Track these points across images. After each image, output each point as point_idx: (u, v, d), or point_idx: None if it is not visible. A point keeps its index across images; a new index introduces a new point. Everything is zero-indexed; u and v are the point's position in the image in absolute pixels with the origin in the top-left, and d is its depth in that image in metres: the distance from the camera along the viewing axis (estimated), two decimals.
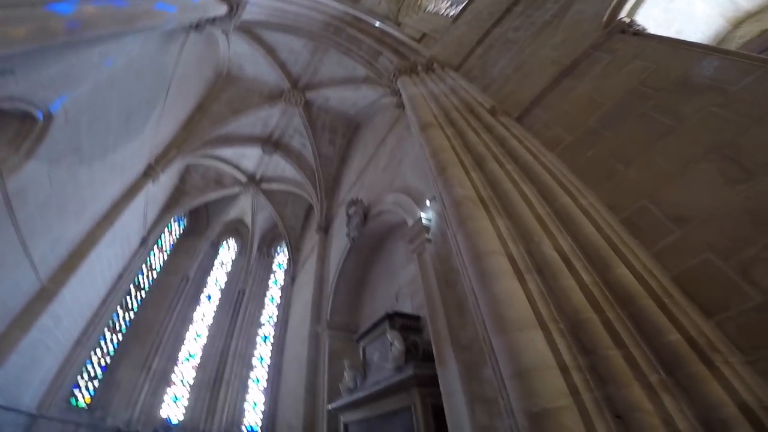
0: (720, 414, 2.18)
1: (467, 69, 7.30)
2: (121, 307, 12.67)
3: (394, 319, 6.19)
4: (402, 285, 7.33)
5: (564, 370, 2.67)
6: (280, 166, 14.10)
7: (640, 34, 4.29)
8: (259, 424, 12.30)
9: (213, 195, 14.82)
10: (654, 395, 2.41)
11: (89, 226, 8.58)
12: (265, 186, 14.95)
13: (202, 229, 15.86)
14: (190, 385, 13.15)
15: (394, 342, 5.74)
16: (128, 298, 13.05)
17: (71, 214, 7.61)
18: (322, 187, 12.77)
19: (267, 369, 13.24)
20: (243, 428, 12.44)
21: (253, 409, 12.94)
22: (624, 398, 2.44)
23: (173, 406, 12.58)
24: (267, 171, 14.61)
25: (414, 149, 7.06)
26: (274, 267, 16.70)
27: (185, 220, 16.13)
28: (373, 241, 8.51)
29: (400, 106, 8.00)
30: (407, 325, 6.12)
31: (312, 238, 12.66)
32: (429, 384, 5.13)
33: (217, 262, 16.64)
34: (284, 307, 13.69)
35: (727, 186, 2.70)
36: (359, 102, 12.08)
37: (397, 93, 8.11)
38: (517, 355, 2.78)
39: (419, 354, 5.45)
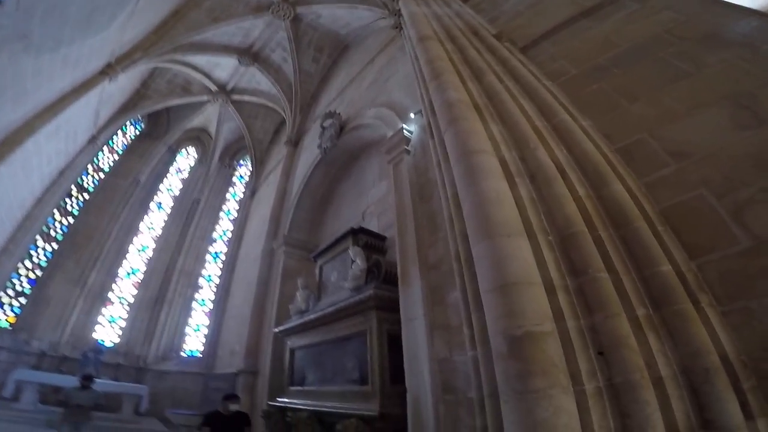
0: (703, 363, 2.11)
1: (476, 1, 6.65)
2: (59, 211, 11.33)
3: (359, 235, 5.72)
4: (370, 203, 6.85)
5: (550, 290, 2.43)
6: (255, 78, 12.93)
7: None
8: (201, 349, 11.87)
9: (177, 101, 13.48)
10: (640, 332, 2.27)
11: (28, 116, 7.47)
12: (236, 97, 13.82)
13: (160, 133, 14.50)
14: (129, 304, 12.12)
15: (356, 259, 5.30)
16: (68, 200, 11.71)
17: (8, 101, 6.70)
18: (297, 103, 11.86)
19: (214, 290, 12.70)
20: (183, 353, 11.97)
21: (196, 332, 12.45)
22: (610, 331, 2.28)
23: (108, 328, 11.60)
24: (241, 82, 13.42)
25: (405, 67, 6.42)
26: (235, 179, 15.73)
27: (143, 123, 14.69)
28: (345, 157, 7.89)
29: (398, 26, 7.20)
30: (371, 244, 5.67)
31: (279, 152, 11.80)
32: (388, 309, 4.73)
33: (173, 168, 15.23)
34: (240, 223, 12.92)
35: (735, 130, 2.63)
36: (353, 23, 11.00)
37: (396, 13, 7.28)
38: (503, 263, 2.46)
39: (381, 275, 5.03)
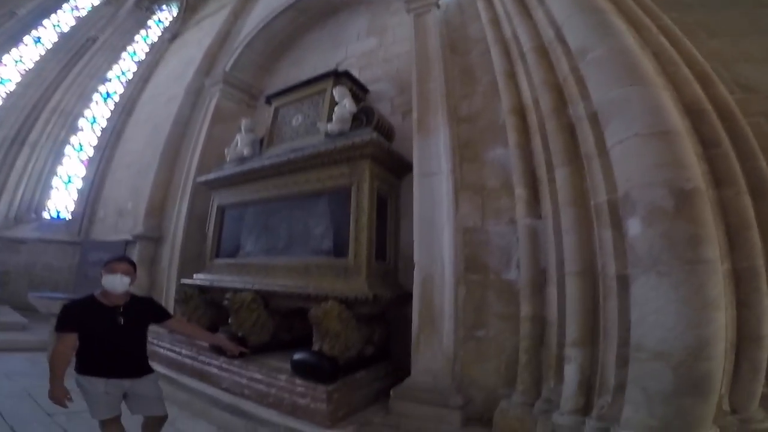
0: None
1: None
2: None
3: (342, 79, 4.35)
4: (351, 56, 5.45)
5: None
6: None
7: None
8: (71, 208, 9.28)
9: None
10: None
11: None
12: None
13: None
14: None
15: (342, 101, 3.89)
16: None
17: None
18: None
19: (99, 133, 9.84)
20: (46, 215, 9.26)
21: (66, 186, 9.67)
22: (740, 209, 2.17)
23: None
24: None
25: None
26: (151, 23, 12.18)
27: None
28: (325, 7, 6.11)
29: None
30: (354, 92, 4.30)
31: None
32: (380, 163, 3.64)
33: (67, 5, 11.16)
34: (149, 64, 10.05)
35: None
36: None
37: None
38: (662, 109, 2.16)
39: (373, 123, 3.72)
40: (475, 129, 3.22)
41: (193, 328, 2.93)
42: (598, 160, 2.35)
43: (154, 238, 5.69)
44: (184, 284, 4.51)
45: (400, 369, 3.68)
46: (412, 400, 2.90)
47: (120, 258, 2.49)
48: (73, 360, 2.23)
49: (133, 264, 2.42)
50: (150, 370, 2.45)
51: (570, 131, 2.53)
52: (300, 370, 3.05)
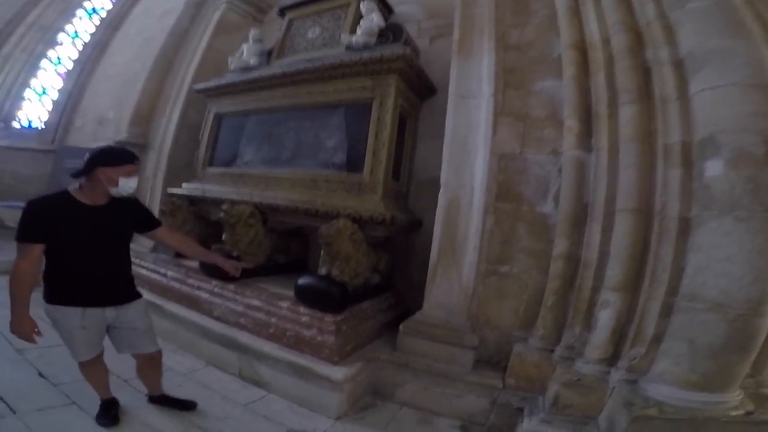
0: None
1: None
2: None
3: None
4: None
5: None
6: None
7: None
8: (44, 118, 8.51)
9: None
10: None
11: None
12: None
13: None
14: None
15: (371, 15, 3.46)
16: None
17: None
18: None
19: (81, 48, 8.93)
20: (15, 124, 8.44)
21: (39, 98, 8.84)
22: None
23: None
24: None
25: None
26: None
27: None
28: None
29: None
30: (379, 9, 3.77)
31: None
32: (406, 81, 3.32)
33: None
34: None
35: None
36: None
37: None
38: (763, 65, 1.90)
39: (401, 40, 3.33)
40: (524, 58, 2.87)
41: (184, 242, 2.29)
42: (676, 103, 2.12)
43: (138, 145, 5.09)
44: (172, 194, 4.07)
45: (401, 302, 3.55)
46: (423, 337, 2.73)
47: (131, 154, 1.88)
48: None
49: (131, 155, 1.88)
50: (137, 295, 2.02)
51: (644, 72, 2.30)
52: (306, 296, 2.81)
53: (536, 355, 2.50)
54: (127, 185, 1.80)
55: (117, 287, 1.91)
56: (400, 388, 2.72)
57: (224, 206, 3.21)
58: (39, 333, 1.72)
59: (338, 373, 2.42)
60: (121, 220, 1.89)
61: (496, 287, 2.77)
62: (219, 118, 4.20)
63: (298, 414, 2.43)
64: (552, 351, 2.51)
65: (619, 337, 2.21)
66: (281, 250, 3.69)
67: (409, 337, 2.78)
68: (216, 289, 3.22)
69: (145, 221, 2.06)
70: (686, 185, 2.01)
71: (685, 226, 2.00)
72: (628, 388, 2.08)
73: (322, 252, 2.88)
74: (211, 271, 3.22)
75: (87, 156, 1.81)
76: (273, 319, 2.80)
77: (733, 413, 1.87)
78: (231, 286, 3.14)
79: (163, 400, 2.25)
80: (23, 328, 1.66)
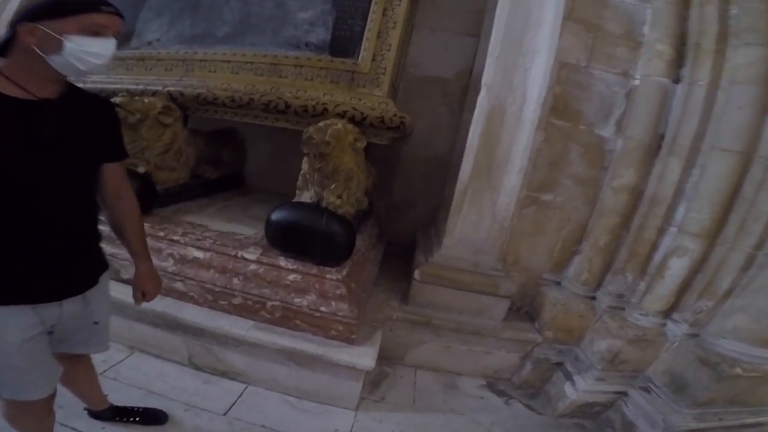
0: None
1: None
2: None
3: None
4: None
5: None
6: None
7: None
8: None
9: None
10: None
11: None
12: None
13: None
14: None
15: None
16: None
17: None
18: None
19: None
20: None
21: None
22: None
23: None
24: None
25: None
26: None
27: None
28: None
29: None
30: None
31: None
32: None
33: None
34: None
35: None
36: None
37: None
38: None
39: None
40: None
41: (134, 207, 1.14)
42: None
43: None
44: None
45: (383, 231, 2.89)
46: (446, 285, 2.14)
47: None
48: None
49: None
50: (105, 265, 1.12)
51: None
52: (291, 241, 1.82)
53: (581, 303, 2.17)
54: (86, 50, 0.82)
55: (85, 260, 1.03)
56: (413, 349, 2.17)
57: (118, 98, 1.81)
58: None
59: (365, 357, 1.69)
60: (86, 129, 0.94)
61: (534, 219, 2.28)
62: None
63: (305, 411, 1.73)
64: (592, 298, 2.21)
65: (684, 287, 1.97)
66: (210, 160, 2.45)
67: (428, 287, 2.15)
68: None
69: (112, 144, 1.04)
70: None
71: None
72: (694, 343, 1.92)
73: (305, 167, 1.88)
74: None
75: None
76: (236, 281, 1.79)
77: None
78: (156, 226, 1.92)
79: (115, 414, 1.45)
80: None
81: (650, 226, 2.04)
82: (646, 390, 1.95)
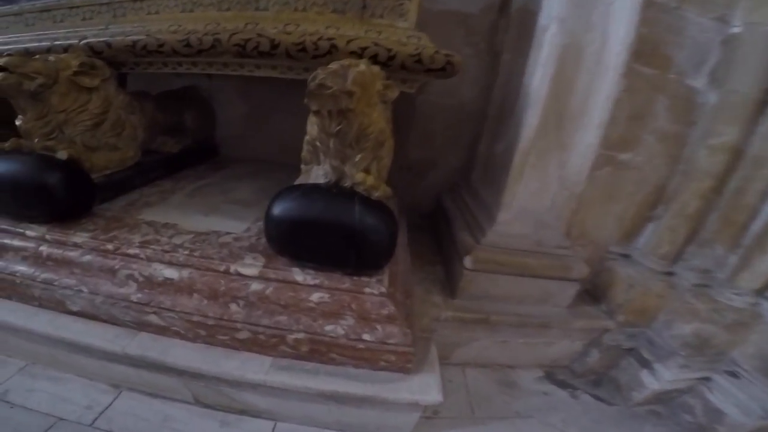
0: None
1: None
2: None
3: None
4: None
5: None
6: None
7: None
8: None
9: None
10: None
11: None
12: None
13: None
14: None
15: None
16: None
17: None
18: None
19: None
20: None
21: None
22: None
23: None
24: None
25: None
26: None
27: None
28: None
29: None
30: None
31: None
32: None
33: None
34: None
35: None
36: None
37: None
38: None
39: None
40: None
41: None
42: None
43: None
44: None
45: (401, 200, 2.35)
46: (502, 271, 1.70)
47: None
48: None
49: None
50: None
51: None
52: (311, 243, 1.27)
53: (659, 281, 1.81)
54: None
55: None
56: (462, 347, 1.79)
57: (2, 60, 1.09)
58: None
59: (429, 390, 1.26)
60: None
61: (607, 183, 1.82)
62: None
63: None
64: (670, 274, 1.86)
65: None
66: (168, 129, 1.77)
67: (482, 276, 1.71)
68: (49, 250, 1.29)
69: None
70: None
71: None
72: None
73: (312, 132, 1.30)
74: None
75: None
76: (236, 308, 1.25)
77: None
78: (83, 235, 1.30)
79: None
80: None
81: (752, 190, 1.63)
82: (734, 375, 1.70)
